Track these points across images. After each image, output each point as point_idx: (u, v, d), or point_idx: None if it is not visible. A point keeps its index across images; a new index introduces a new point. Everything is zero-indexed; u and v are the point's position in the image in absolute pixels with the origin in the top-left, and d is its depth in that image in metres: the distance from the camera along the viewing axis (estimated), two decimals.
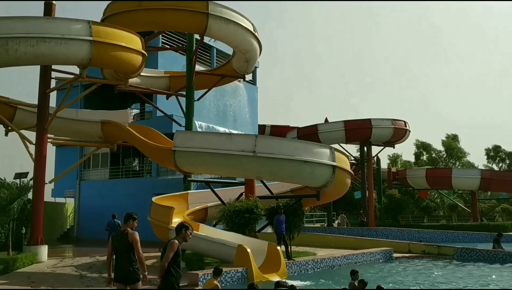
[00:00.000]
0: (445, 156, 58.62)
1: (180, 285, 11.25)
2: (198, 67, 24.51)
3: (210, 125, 28.00)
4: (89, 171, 31.02)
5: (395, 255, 18.64)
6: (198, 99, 23.42)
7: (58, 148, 30.72)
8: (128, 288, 7.20)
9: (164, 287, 6.28)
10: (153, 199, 17.36)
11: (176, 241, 6.35)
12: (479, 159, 67.52)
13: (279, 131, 37.24)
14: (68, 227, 31.77)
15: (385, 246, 19.45)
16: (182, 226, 6.48)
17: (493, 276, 14.11)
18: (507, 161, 66.89)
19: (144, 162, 29.83)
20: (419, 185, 38.31)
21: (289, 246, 15.44)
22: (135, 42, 16.69)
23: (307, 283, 12.68)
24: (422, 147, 58.84)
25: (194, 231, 15.06)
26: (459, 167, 53.77)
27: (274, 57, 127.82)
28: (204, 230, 15.61)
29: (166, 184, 25.03)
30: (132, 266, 7.11)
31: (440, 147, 60.12)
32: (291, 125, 39.35)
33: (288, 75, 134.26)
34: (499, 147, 67.44)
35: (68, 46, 14.88)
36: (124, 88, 20.20)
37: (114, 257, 7.38)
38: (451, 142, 58.70)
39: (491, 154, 67.36)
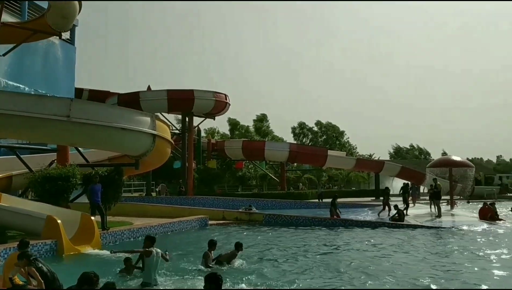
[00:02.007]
0: (255, 134, 63.22)
1: None
2: (5, 18, 21.58)
3: (16, 85, 25.08)
4: None
5: (210, 222, 19.45)
6: (3, 55, 20.74)
7: None
8: None
9: None
10: None
11: None
12: (288, 136, 74.69)
13: (98, 96, 35.27)
14: None
15: (202, 214, 20.11)
16: None
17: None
18: (310, 136, 75.46)
19: None
20: (236, 156, 40.47)
21: (105, 216, 14.92)
22: None
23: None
24: (232, 125, 62.66)
25: None
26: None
27: (99, 17, 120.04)
28: (7, 200, 14.14)
29: None
30: None
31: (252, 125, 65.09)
32: (111, 91, 37.66)
33: (114, 38, 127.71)
34: (304, 123, 75.62)
35: None
36: None
37: None
38: (257, 123, 63.63)
39: (297, 131, 75.27)
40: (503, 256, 12.04)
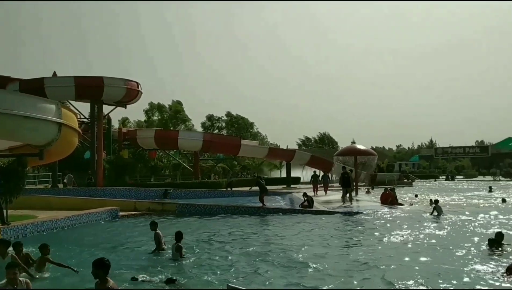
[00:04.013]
0: (170, 117, 62.10)
1: None
2: None
3: None
4: None
5: (121, 213, 18.95)
6: None
7: None
8: None
9: None
10: None
11: None
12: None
13: None
14: None
15: (112, 205, 19.55)
16: None
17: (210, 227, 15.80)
18: (222, 125, 76.17)
19: None
20: (148, 146, 39.52)
21: (4, 210, 14.00)
22: None
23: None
24: (157, 108, 61.11)
25: None
26: (184, 129, 57.88)
27: None
28: None
29: None
30: None
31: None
32: (12, 77, 35.04)
33: (16, 20, 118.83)
34: (212, 115, 76.17)
35: None
36: None
37: None
38: (177, 106, 62.62)
39: (207, 124, 75.67)
40: (400, 237, 13.10)
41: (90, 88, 30.52)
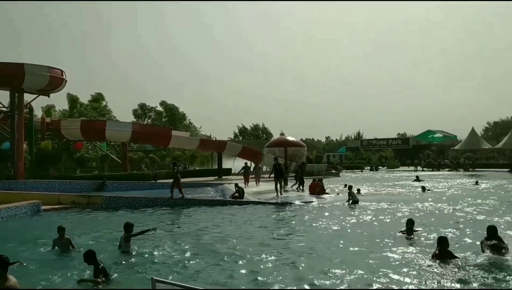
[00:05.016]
0: (89, 111, 59.87)
1: None
2: None
3: None
4: None
5: (44, 207, 18.09)
6: None
7: None
8: None
9: None
10: None
11: None
12: (129, 118, 72.33)
13: None
14: None
15: (34, 199, 18.59)
16: None
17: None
18: (153, 116, 74.42)
19: None
20: (74, 137, 37.88)
21: None
22: None
23: None
24: (71, 100, 58.81)
25: None
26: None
27: None
28: None
29: None
30: None
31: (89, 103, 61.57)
32: None
33: None
34: (144, 104, 74.35)
35: None
36: None
37: None
38: (93, 103, 60.57)
39: (139, 112, 73.55)
40: (325, 226, 13.65)
41: (9, 76, 28.85)
